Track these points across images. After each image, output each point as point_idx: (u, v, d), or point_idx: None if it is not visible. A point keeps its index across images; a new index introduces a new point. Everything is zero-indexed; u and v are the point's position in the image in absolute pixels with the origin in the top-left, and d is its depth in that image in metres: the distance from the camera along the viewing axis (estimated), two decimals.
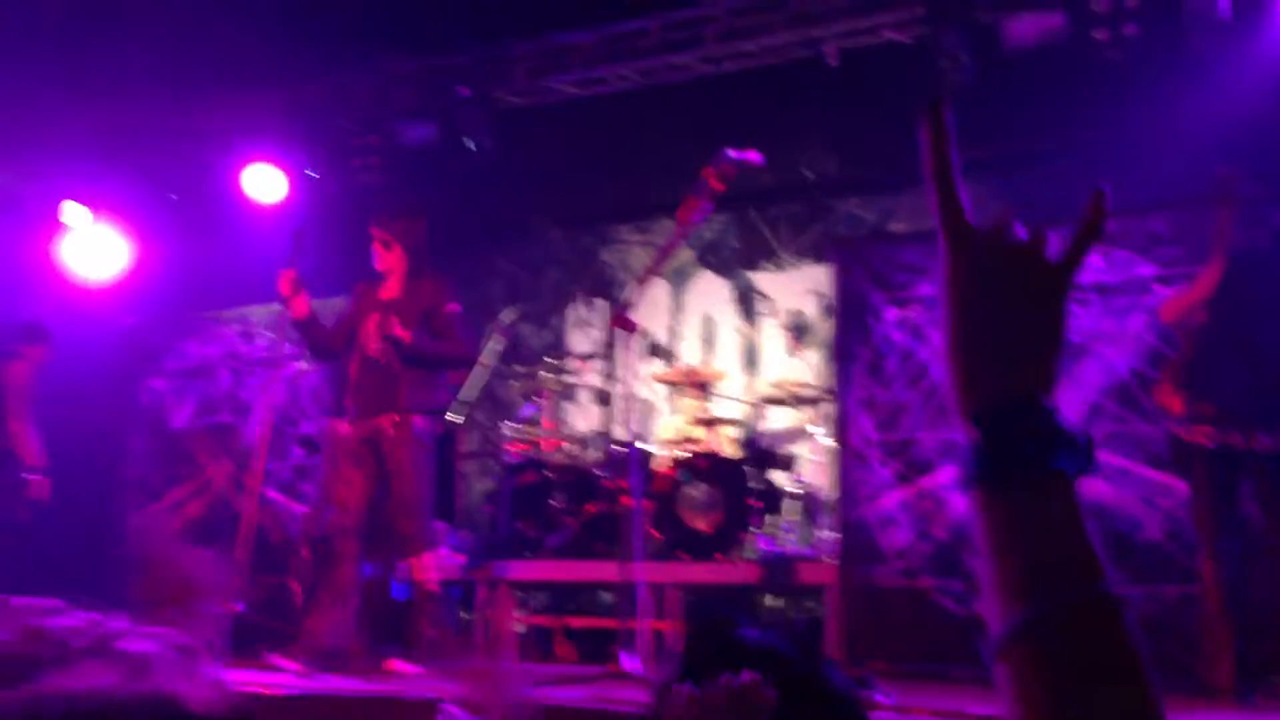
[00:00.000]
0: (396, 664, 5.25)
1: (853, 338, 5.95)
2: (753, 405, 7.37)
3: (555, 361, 7.52)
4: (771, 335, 7.69)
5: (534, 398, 7.31)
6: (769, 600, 7.04)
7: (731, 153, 4.87)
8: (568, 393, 7.80)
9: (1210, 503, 4.63)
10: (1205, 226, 4.68)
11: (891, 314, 5.82)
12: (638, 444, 5.31)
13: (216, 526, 7.42)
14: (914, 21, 6.40)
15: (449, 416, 7.04)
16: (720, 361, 7.79)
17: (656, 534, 6.28)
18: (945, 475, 5.52)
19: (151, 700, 0.78)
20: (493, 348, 7.39)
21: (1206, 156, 5.01)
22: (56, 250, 8.33)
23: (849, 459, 5.88)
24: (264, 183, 7.72)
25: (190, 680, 0.81)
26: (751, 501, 6.34)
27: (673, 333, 8.08)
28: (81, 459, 7.50)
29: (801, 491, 6.65)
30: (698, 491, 6.33)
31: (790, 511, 6.59)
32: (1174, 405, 4.70)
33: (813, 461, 6.76)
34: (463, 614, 6.92)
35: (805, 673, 0.99)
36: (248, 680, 4.48)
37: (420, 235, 5.68)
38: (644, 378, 7.27)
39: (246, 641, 5.40)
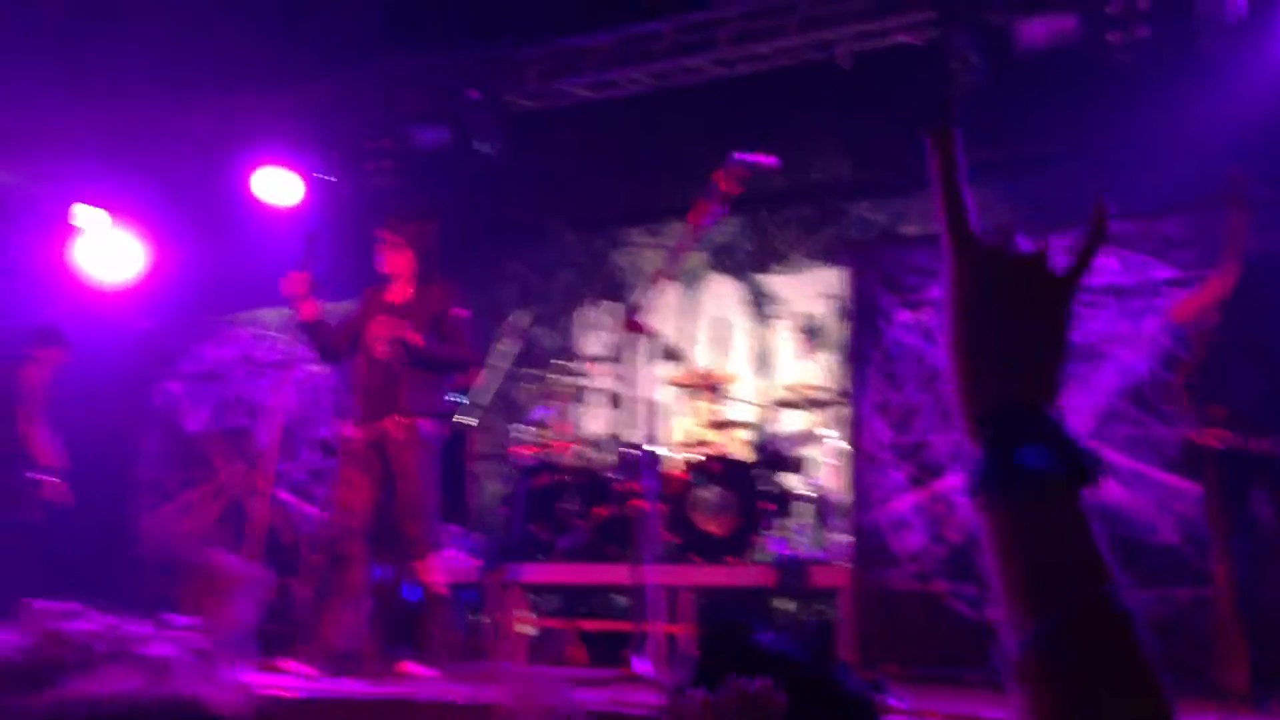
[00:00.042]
0: (409, 666, 5.26)
1: (865, 340, 5.95)
2: (765, 408, 7.36)
3: (567, 364, 7.53)
4: (784, 338, 7.69)
5: (546, 400, 7.31)
6: (781, 603, 7.04)
7: (743, 156, 4.87)
8: (580, 395, 7.80)
9: (1222, 505, 4.62)
10: (1219, 229, 4.67)
11: (904, 316, 5.81)
12: (650, 447, 5.31)
13: (230, 529, 7.46)
14: (926, 24, 6.40)
15: (462, 419, 7.06)
16: (732, 364, 7.79)
17: (669, 537, 6.28)
18: (958, 478, 5.51)
19: (174, 704, 0.79)
20: (505, 350, 7.40)
21: (1219, 159, 4.99)
22: (71, 254, 8.37)
23: (861, 462, 5.88)
24: (277, 186, 7.74)
25: (212, 684, 0.82)
26: (764, 504, 6.34)
27: (685, 335, 8.08)
28: (96, 461, 7.53)
29: (814, 494, 6.65)
30: (710, 494, 6.33)
31: (802, 514, 6.58)
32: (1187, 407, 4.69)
33: (825, 464, 6.76)
34: (475, 616, 6.92)
35: (819, 676, 1.00)
36: (260, 683, 4.49)
37: (430, 239, 5.69)
38: (656, 380, 7.27)
39: (259, 644, 5.42)
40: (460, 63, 7.41)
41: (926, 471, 5.65)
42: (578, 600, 7.23)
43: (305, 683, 4.81)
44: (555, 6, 7.11)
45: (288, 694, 4.31)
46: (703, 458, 6.56)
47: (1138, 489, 5.18)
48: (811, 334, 7.37)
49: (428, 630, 5.42)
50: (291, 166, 7.72)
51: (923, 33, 6.45)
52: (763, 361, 7.86)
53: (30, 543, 6.95)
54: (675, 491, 6.38)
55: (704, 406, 6.95)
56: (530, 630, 6.84)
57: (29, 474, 6.91)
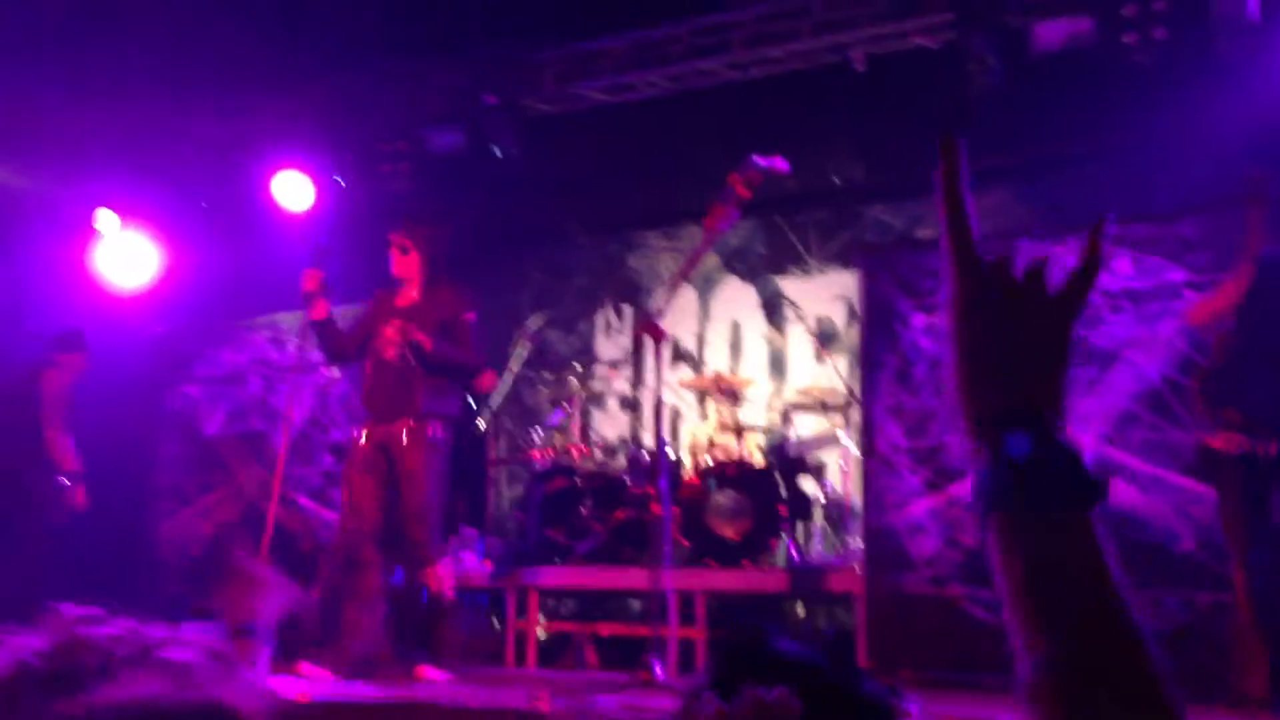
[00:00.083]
0: (427, 670, 5.27)
1: (880, 344, 5.94)
2: (780, 412, 7.36)
3: (583, 368, 7.53)
4: (799, 342, 7.68)
5: (562, 404, 7.32)
6: (797, 608, 7.03)
7: (758, 160, 4.87)
8: (595, 399, 7.82)
9: (1240, 511, 4.59)
10: (1236, 231, 4.65)
11: (919, 320, 5.80)
12: (665, 451, 5.31)
13: (247, 533, 7.48)
14: (942, 26, 6.39)
15: (477, 424, 7.07)
16: (747, 368, 7.78)
17: (684, 541, 6.28)
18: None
19: (201, 708, 0.79)
20: (520, 354, 7.41)
21: (1236, 160, 4.97)
22: (90, 258, 8.41)
23: (876, 466, 5.86)
24: (293, 190, 7.77)
25: (236, 687, 0.82)
26: (779, 509, 6.33)
27: (700, 339, 8.08)
28: (113, 466, 7.57)
29: (829, 499, 6.64)
30: (725, 498, 6.33)
31: (817, 519, 6.58)
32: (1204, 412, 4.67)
33: (841, 469, 6.75)
34: (491, 620, 6.94)
35: (838, 683, 1.00)
36: (278, 687, 4.50)
37: (441, 243, 5.70)
38: (671, 384, 7.27)
39: (278, 649, 5.43)
40: (476, 66, 7.43)
41: (942, 475, 5.64)
42: (593, 604, 7.23)
43: (322, 687, 4.82)
44: (571, 10, 7.12)
45: (305, 698, 4.32)
46: (718, 462, 6.56)
47: (1155, 493, 5.16)
48: (826, 338, 7.36)
49: (438, 634, 5.43)
50: (307, 170, 7.75)
51: (939, 35, 6.44)
52: (777, 365, 7.86)
53: (51, 547, 6.99)
54: (690, 496, 6.38)
55: (718, 410, 6.95)
56: (545, 634, 6.85)
57: (53, 480, 6.95)
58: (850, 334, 7.25)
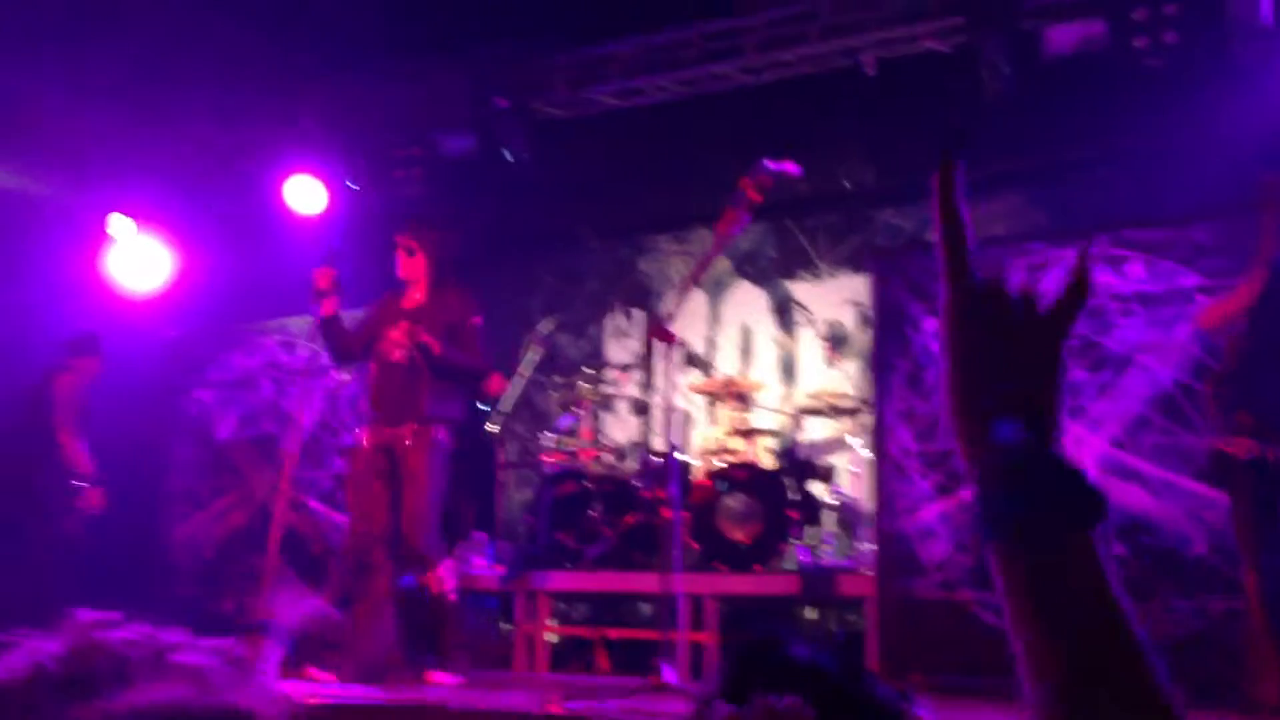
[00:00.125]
0: (437, 675, 5.28)
1: (891, 348, 5.93)
2: (791, 416, 7.35)
3: (593, 372, 7.54)
4: (809, 345, 7.68)
5: (572, 408, 7.32)
6: (808, 612, 7.02)
7: (769, 163, 4.87)
8: (606, 403, 7.81)
9: (1252, 516, 4.57)
10: (1249, 236, 4.63)
11: (930, 324, 5.79)
12: (676, 455, 5.31)
13: (259, 536, 7.50)
14: (954, 30, 6.39)
15: (489, 427, 7.08)
16: (758, 372, 7.78)
17: (695, 545, 6.27)
18: None
19: (220, 713, 0.79)
20: (531, 358, 7.42)
21: (1248, 164, 4.95)
22: (103, 263, 8.44)
23: (887, 470, 5.86)
24: (305, 194, 7.79)
25: (253, 692, 0.83)
26: (790, 513, 6.32)
27: (710, 343, 8.08)
28: (127, 470, 7.59)
29: (840, 503, 6.63)
30: (736, 502, 6.33)
31: (828, 523, 6.57)
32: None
33: (851, 473, 6.74)
34: (501, 624, 6.94)
35: (850, 689, 1.00)
36: (290, 691, 4.51)
37: (447, 246, 5.70)
38: (682, 388, 7.27)
39: (290, 653, 5.44)
40: (487, 71, 7.45)
41: (953, 480, 5.62)
42: (604, 608, 7.23)
43: (332, 691, 4.83)
44: (582, 15, 7.13)
45: (315, 702, 4.33)
46: (728, 466, 6.56)
47: (1167, 498, 5.14)
48: (837, 341, 7.35)
49: (441, 635, 5.43)
50: (319, 175, 7.77)
51: (950, 39, 6.44)
52: (788, 369, 7.85)
53: (65, 550, 7.01)
54: (701, 500, 6.37)
55: (729, 414, 6.94)
56: (555, 638, 6.85)
57: (68, 484, 6.98)
58: (860, 338, 7.24)
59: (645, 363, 7.99)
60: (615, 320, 8.41)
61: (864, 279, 6.64)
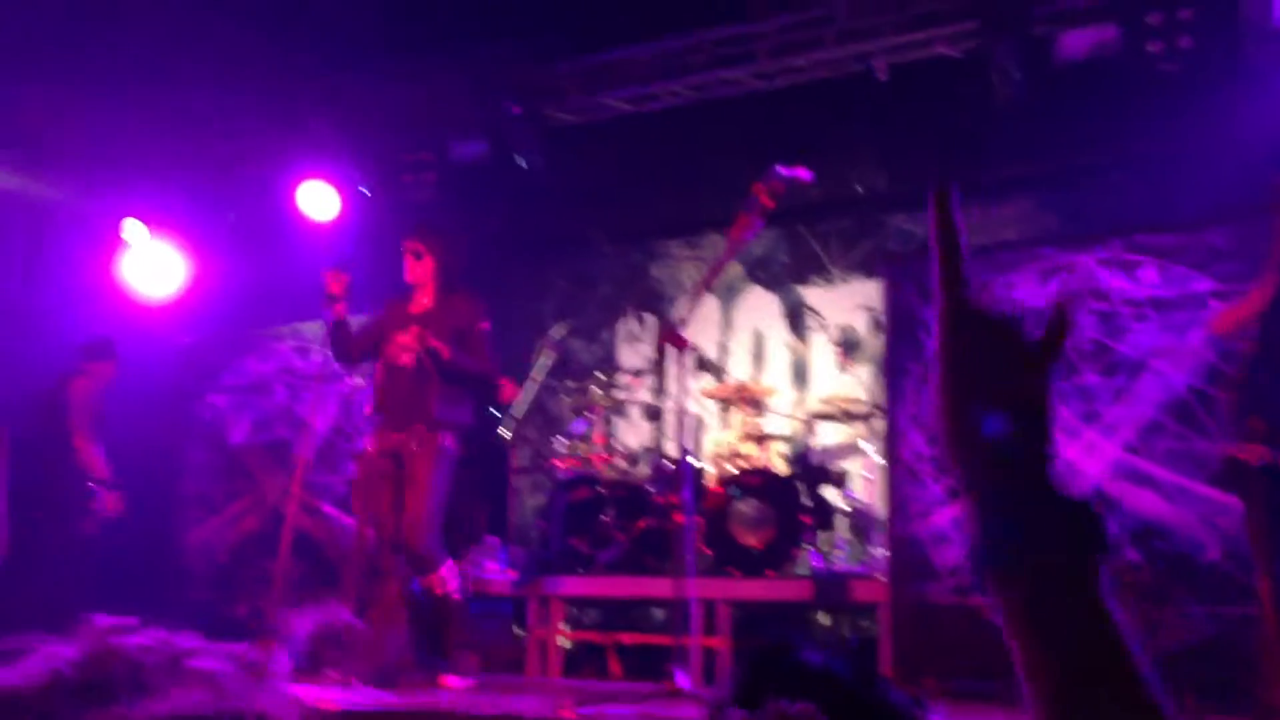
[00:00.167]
0: (449, 679, 5.28)
1: (903, 353, 5.93)
2: (803, 421, 7.35)
3: (606, 377, 7.54)
4: (821, 350, 7.67)
5: (585, 413, 7.33)
6: (821, 618, 7.01)
7: (781, 170, 4.87)
8: (618, 408, 7.82)
9: (1265, 522, 4.55)
10: (1264, 240, 4.61)
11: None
12: (688, 460, 5.31)
13: (272, 541, 7.52)
14: (966, 35, 6.38)
15: (500, 433, 7.09)
16: (770, 377, 7.78)
17: (707, 550, 6.27)
18: None
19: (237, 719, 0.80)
20: (543, 363, 7.42)
21: (1262, 168, 4.93)
22: (117, 268, 8.48)
23: (900, 475, 5.85)
24: (318, 200, 7.81)
25: (267, 697, 0.83)
26: (803, 518, 6.32)
27: (722, 348, 8.08)
28: (141, 474, 7.62)
29: (853, 508, 6.62)
30: (749, 507, 6.32)
31: (841, 528, 6.56)
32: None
33: (864, 478, 6.73)
34: (514, 629, 6.94)
35: (863, 695, 1.00)
36: (303, 696, 4.52)
37: (455, 250, 5.71)
38: (694, 393, 7.27)
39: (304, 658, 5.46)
40: (499, 77, 7.46)
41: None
42: (616, 613, 7.23)
43: (346, 695, 4.84)
44: (594, 20, 7.14)
45: (329, 707, 4.34)
46: (741, 471, 6.55)
47: (1181, 504, 5.12)
48: (849, 346, 7.35)
49: (446, 636, 5.43)
50: (332, 181, 7.80)
51: (962, 44, 6.43)
52: (800, 374, 7.85)
53: (82, 556, 7.04)
54: (713, 505, 6.37)
55: (742, 419, 6.94)
56: (568, 643, 6.85)
57: (84, 488, 7.01)
58: (872, 343, 7.23)
59: (657, 368, 7.99)
60: (627, 325, 8.41)
61: (876, 284, 6.63)
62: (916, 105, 6.83)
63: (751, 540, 6.28)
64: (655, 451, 7.74)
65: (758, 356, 7.98)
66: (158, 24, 7.03)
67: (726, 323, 8.10)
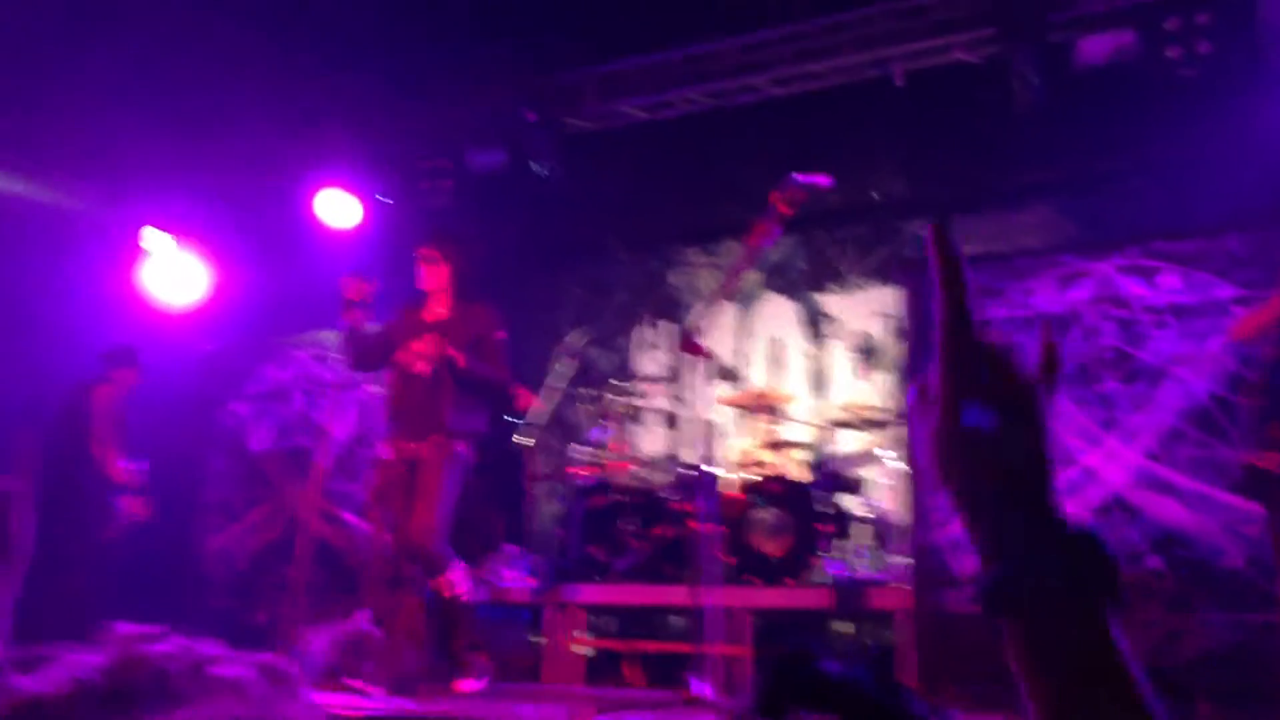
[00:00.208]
0: (463, 684, 5.29)
1: (922, 360, 5.91)
2: (821, 428, 7.33)
3: (623, 384, 7.54)
4: (840, 357, 7.66)
5: (602, 421, 7.33)
6: (840, 626, 6.98)
7: (799, 177, 4.86)
8: (636, 415, 7.81)
9: None
10: None
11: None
12: (706, 467, 5.30)
13: (292, 548, 7.54)
14: (985, 41, 6.37)
15: (519, 440, 7.09)
16: (788, 384, 7.76)
17: (726, 558, 6.26)
18: None
19: None
20: (561, 370, 7.43)
21: None
22: (138, 277, 8.53)
23: (920, 482, 5.83)
24: (337, 208, 7.85)
25: (291, 706, 0.83)
26: (821, 525, 6.30)
27: (741, 355, 8.07)
28: (163, 481, 7.66)
29: (872, 515, 6.60)
30: (767, 515, 6.31)
31: (861, 536, 6.54)
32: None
33: (883, 485, 6.71)
34: (533, 637, 6.94)
35: (885, 704, 1.00)
36: (324, 704, 4.53)
37: (470, 258, 5.72)
38: (712, 401, 7.26)
39: (324, 665, 5.47)
40: (517, 85, 7.48)
41: None
42: (635, 621, 7.22)
43: (368, 703, 4.85)
44: (611, 28, 7.16)
45: (351, 714, 4.35)
46: (759, 478, 6.54)
47: (1202, 511, 5.09)
48: (868, 353, 7.33)
49: (457, 640, 5.43)
50: (351, 189, 7.83)
51: (980, 50, 6.42)
52: (819, 381, 7.83)
53: (104, 563, 7.07)
54: (732, 512, 6.36)
55: (760, 427, 6.93)
56: (587, 651, 6.84)
57: (107, 495, 7.04)
58: (890, 349, 7.21)
59: (676, 375, 7.99)
60: (645, 333, 8.42)
61: (894, 290, 6.62)
62: (934, 112, 6.83)
63: (770, 548, 6.27)
64: (673, 459, 7.73)
65: (776, 363, 7.97)
66: (179, 33, 7.07)
67: (744, 330, 8.09)
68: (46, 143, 8.03)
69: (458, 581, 5.38)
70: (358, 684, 5.15)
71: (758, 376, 7.92)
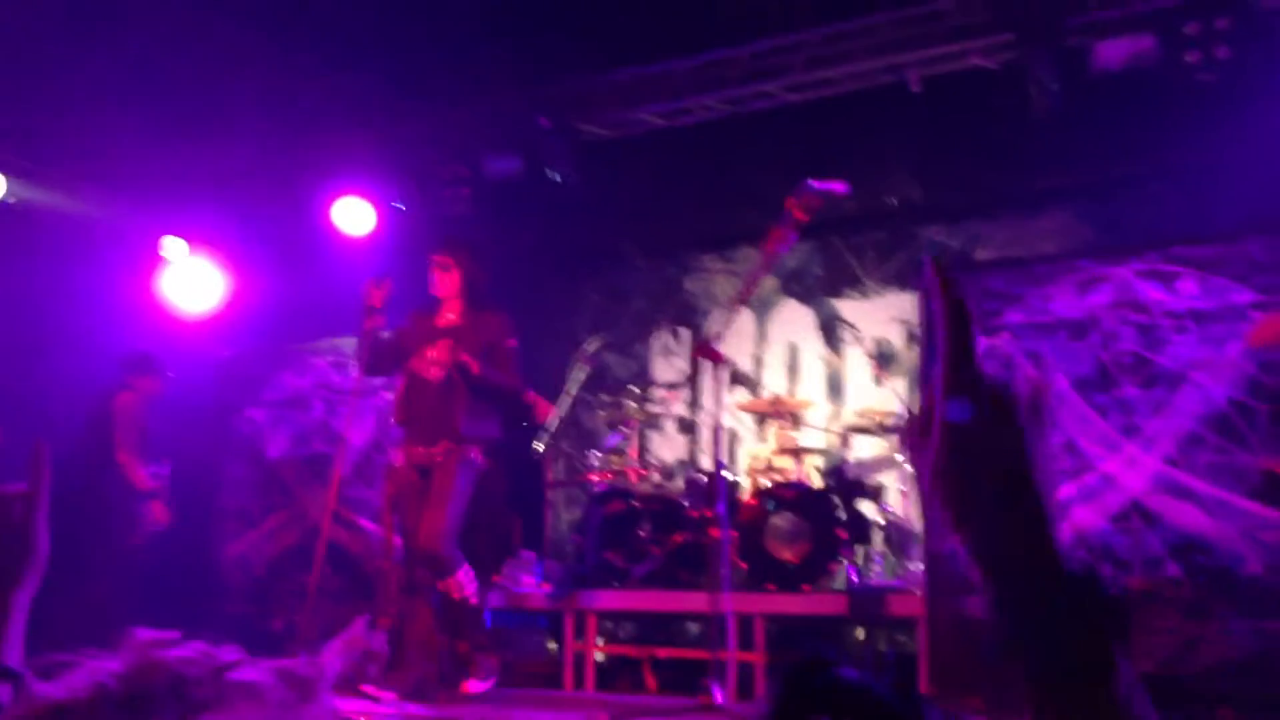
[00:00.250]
0: (470, 684, 5.30)
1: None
2: (838, 434, 7.32)
3: (640, 391, 7.54)
4: (856, 363, 7.64)
5: (619, 427, 7.33)
6: (857, 632, 6.97)
7: (815, 183, 4.86)
8: (653, 422, 7.82)
9: None
10: None
11: (979, 342, 5.74)
12: (723, 473, 5.30)
13: (310, 555, 7.57)
14: (1002, 47, 6.35)
15: (534, 447, 7.10)
16: (805, 390, 7.75)
17: (743, 564, 6.25)
18: None
19: None
20: (578, 377, 7.43)
21: None
22: (156, 284, 8.57)
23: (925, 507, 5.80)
24: (353, 215, 7.88)
25: (309, 711, 0.84)
26: (839, 532, 6.28)
27: (757, 361, 8.06)
28: (180, 488, 7.69)
29: (888, 521, 6.58)
30: (784, 521, 6.30)
31: (877, 542, 6.52)
32: None
33: (900, 491, 6.69)
34: (550, 643, 6.95)
35: (902, 711, 0.99)
36: (341, 709, 4.54)
37: (483, 265, 5.73)
38: (729, 407, 7.26)
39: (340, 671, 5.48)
40: (533, 92, 7.50)
41: None
42: (652, 627, 7.21)
43: (384, 709, 4.86)
44: (627, 35, 7.17)
45: (367, 719, 4.36)
46: (776, 484, 6.53)
47: (1221, 517, 5.06)
48: (884, 359, 7.32)
49: (465, 641, 5.43)
50: (368, 196, 7.85)
51: (997, 55, 6.41)
52: (835, 387, 7.82)
53: (125, 570, 7.10)
54: (748, 519, 6.35)
55: (776, 433, 6.92)
56: (603, 657, 6.84)
57: (128, 501, 7.08)
58: (907, 355, 7.20)
59: (692, 381, 7.99)
60: (662, 339, 8.41)
61: (911, 296, 6.60)
62: (951, 117, 6.81)
63: (787, 554, 6.26)
64: (690, 465, 7.73)
65: (792, 370, 7.96)
66: (196, 42, 7.11)
67: (761, 336, 8.08)
68: (65, 151, 8.08)
69: (465, 583, 5.40)
70: (371, 690, 5.16)
71: (775, 382, 7.90)
